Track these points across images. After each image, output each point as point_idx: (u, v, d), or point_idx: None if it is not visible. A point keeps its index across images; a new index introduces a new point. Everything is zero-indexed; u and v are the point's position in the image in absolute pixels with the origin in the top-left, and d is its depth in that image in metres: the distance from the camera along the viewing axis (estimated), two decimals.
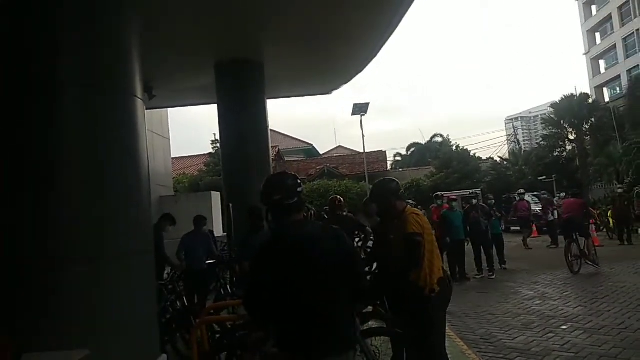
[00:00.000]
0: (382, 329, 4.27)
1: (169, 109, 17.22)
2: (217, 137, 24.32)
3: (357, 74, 11.84)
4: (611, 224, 15.21)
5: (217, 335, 4.71)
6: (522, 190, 16.79)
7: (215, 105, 10.34)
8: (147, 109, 7.23)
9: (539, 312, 6.88)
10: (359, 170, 28.52)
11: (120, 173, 3.61)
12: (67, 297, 3.23)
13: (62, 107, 3.43)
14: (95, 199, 3.42)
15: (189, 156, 33.21)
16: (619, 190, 16.09)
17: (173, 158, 20.43)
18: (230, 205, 6.07)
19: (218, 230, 14.01)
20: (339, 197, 7.89)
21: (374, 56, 10.61)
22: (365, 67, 11.38)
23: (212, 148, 27.24)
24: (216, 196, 15.13)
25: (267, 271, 2.43)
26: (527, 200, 16.13)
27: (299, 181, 2.57)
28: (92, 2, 3.68)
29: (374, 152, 32.90)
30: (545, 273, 10.10)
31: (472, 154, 34.08)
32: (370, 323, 4.60)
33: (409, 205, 3.74)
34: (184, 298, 5.95)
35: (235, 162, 9.74)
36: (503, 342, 5.60)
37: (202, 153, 30.34)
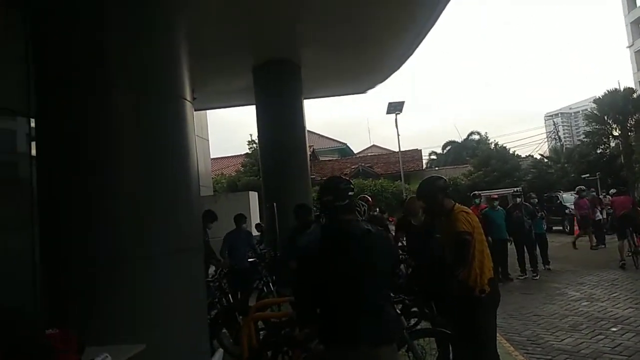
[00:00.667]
0: (429, 330, 4.27)
1: (208, 111, 17.59)
2: (254, 137, 24.81)
3: (392, 72, 11.81)
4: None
5: (263, 332, 4.80)
6: (582, 187, 15.45)
7: (253, 107, 10.53)
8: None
9: (587, 313, 6.69)
10: (393, 169, 28.32)
11: (172, 174, 3.73)
12: (124, 294, 3.35)
13: (114, 110, 3.53)
14: (150, 200, 3.54)
15: (226, 157, 33.75)
16: None
17: (212, 159, 20.81)
18: (275, 204, 6.18)
19: (254, 229, 14.21)
20: (366, 196, 7.89)
21: (410, 55, 10.56)
22: (401, 65, 11.34)
23: (249, 148, 27.59)
24: (254, 196, 15.35)
25: (315, 267, 2.62)
26: (587, 198, 14.99)
27: (351, 185, 2.76)
28: (142, 4, 3.78)
29: (409, 150, 32.55)
30: (592, 274, 9.79)
31: (511, 151, 33.28)
32: (414, 322, 4.59)
33: (457, 204, 3.69)
34: (229, 295, 6.09)
35: (274, 162, 9.89)
36: (550, 344, 5.48)
37: (239, 153, 30.78)
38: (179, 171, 3.85)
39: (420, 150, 34.81)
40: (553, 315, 6.77)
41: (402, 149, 25.04)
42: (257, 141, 14.36)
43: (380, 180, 26.69)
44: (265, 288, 6.91)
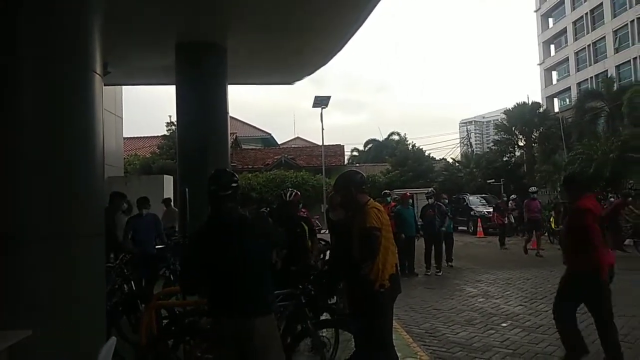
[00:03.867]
0: (331, 320, 4.33)
1: (124, 87, 16.64)
2: (173, 119, 23.86)
3: (321, 66, 11.84)
4: (552, 228, 15.96)
5: (166, 321, 4.63)
6: (534, 189, 15.19)
7: (174, 87, 10.08)
8: None
9: (481, 309, 7.16)
10: (316, 163, 28.58)
11: (73, 150, 3.46)
12: (12, 276, 3.09)
13: (16, 78, 3.27)
14: (47, 176, 3.28)
15: (142, 137, 32.19)
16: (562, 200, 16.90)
17: (125, 138, 19.73)
18: (187, 189, 5.93)
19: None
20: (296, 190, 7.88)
21: (339, 50, 10.63)
22: (329, 60, 11.39)
23: (167, 130, 26.47)
24: (169, 180, 14.78)
25: (198, 248, 3.05)
26: (539, 200, 14.63)
27: (235, 178, 3.12)
28: None
29: (332, 145, 32.98)
30: (489, 272, 10.53)
31: (426, 153, 34.93)
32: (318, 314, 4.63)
33: (371, 200, 3.76)
34: (132, 282, 5.80)
35: (192, 147, 9.52)
36: (446, 337, 5.80)
37: (156, 135, 29.46)
38: (82, 148, 3.58)
39: (343, 146, 35.34)
40: (451, 309, 7.19)
41: (325, 144, 25.34)
42: (175, 123, 13.81)
43: (301, 173, 26.82)
44: (172, 276, 6.67)
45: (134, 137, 30.81)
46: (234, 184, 3.06)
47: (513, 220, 17.77)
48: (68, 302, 3.29)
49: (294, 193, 5.69)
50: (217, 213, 3.05)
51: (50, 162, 3.30)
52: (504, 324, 6.29)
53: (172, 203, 11.65)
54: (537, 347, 5.27)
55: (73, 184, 3.42)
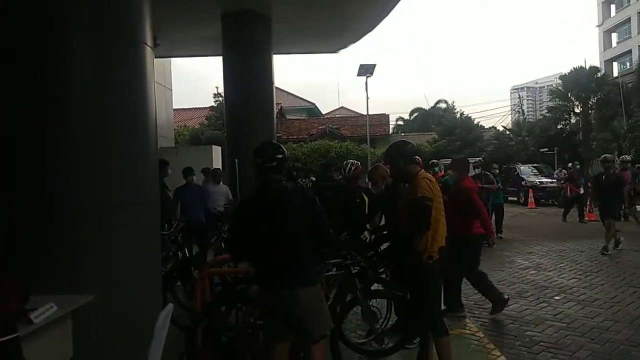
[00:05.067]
0: (382, 291, 4.34)
1: (172, 59, 16.91)
2: (220, 90, 24.15)
3: (366, 33, 11.60)
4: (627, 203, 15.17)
5: (219, 288, 4.78)
6: (627, 157, 13.44)
7: (221, 58, 10.15)
8: None
9: (533, 281, 6.99)
10: (360, 132, 28.26)
11: (129, 122, 3.55)
12: (74, 244, 3.24)
13: (70, 51, 3.33)
14: (105, 148, 3.38)
15: (190, 108, 32.82)
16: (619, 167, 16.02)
17: (174, 109, 20.18)
18: (236, 160, 6.03)
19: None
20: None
21: (385, 16, 10.37)
22: (374, 27, 11.13)
23: (214, 101, 26.85)
24: (217, 150, 15.06)
25: (244, 219, 3.12)
26: (631, 170, 13.16)
27: (280, 149, 3.14)
28: None
29: (377, 115, 32.44)
30: (541, 244, 10.22)
31: (475, 122, 33.80)
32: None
33: (422, 170, 3.69)
34: (185, 249, 6.01)
35: (239, 117, 9.65)
36: None
37: (204, 106, 29.97)
38: (137, 120, 3.67)
39: (388, 115, 34.73)
40: (501, 281, 7.04)
41: (370, 113, 25.01)
42: (222, 94, 13.95)
43: (346, 143, 26.66)
44: (223, 244, 6.85)
45: (183, 109, 31.46)
46: (279, 156, 3.08)
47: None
48: (126, 268, 3.42)
49: (354, 167, 5.60)
50: (262, 184, 3.09)
51: (104, 133, 3.38)
52: (557, 297, 6.12)
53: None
54: (593, 321, 5.11)
55: (127, 155, 3.51)
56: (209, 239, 6.95)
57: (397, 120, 46.05)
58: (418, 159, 8.76)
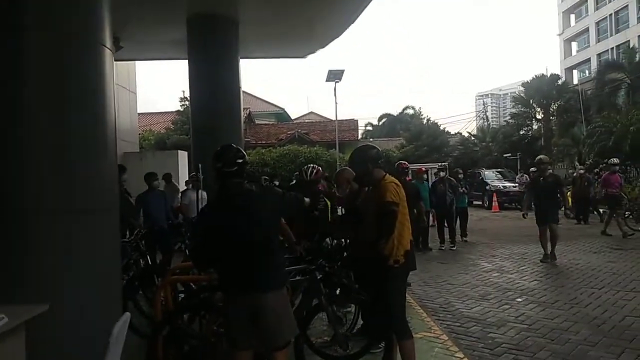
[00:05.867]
0: (350, 296, 4.33)
1: (138, 63, 16.59)
2: (187, 94, 23.80)
3: (333, 39, 11.64)
4: (570, 204, 15.73)
5: (182, 296, 4.68)
6: (615, 160, 12.75)
7: (186, 62, 10.01)
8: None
9: (496, 284, 7.13)
10: (329, 138, 28.35)
11: (84, 126, 3.44)
12: (29, 250, 3.12)
13: (25, 52, 3.23)
14: (59, 151, 3.27)
15: (156, 112, 32.28)
16: (581, 171, 16.59)
17: (139, 114, 19.79)
18: (200, 165, 5.93)
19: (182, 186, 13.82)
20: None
21: (353, 21, 10.43)
22: (343, 32, 11.18)
23: (181, 105, 26.48)
24: (183, 155, 14.84)
25: (206, 225, 3.07)
26: (620, 174, 12.51)
27: (240, 153, 3.08)
28: None
29: (346, 120, 32.65)
30: (504, 247, 10.46)
31: (442, 127, 34.50)
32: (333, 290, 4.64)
33: (388, 174, 3.69)
34: (148, 257, 5.87)
35: (205, 122, 9.51)
36: (460, 311, 5.79)
37: (170, 110, 29.50)
38: (95, 123, 3.56)
39: (357, 120, 35.02)
40: (465, 284, 7.16)
41: (339, 118, 25.10)
42: (188, 98, 13.79)
43: (315, 148, 26.68)
44: (187, 251, 6.72)
45: (148, 113, 30.90)
46: (239, 160, 3.04)
47: None
48: (83, 277, 3.31)
49: (315, 171, 5.58)
50: (223, 189, 3.06)
51: (60, 137, 3.28)
52: (519, 299, 6.25)
53: (172, 178, 11.50)
54: (553, 322, 5.23)
55: (84, 159, 3.40)
56: (172, 246, 6.82)
57: (366, 125, 46.53)
58: (405, 164, 8.82)
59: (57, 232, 3.24)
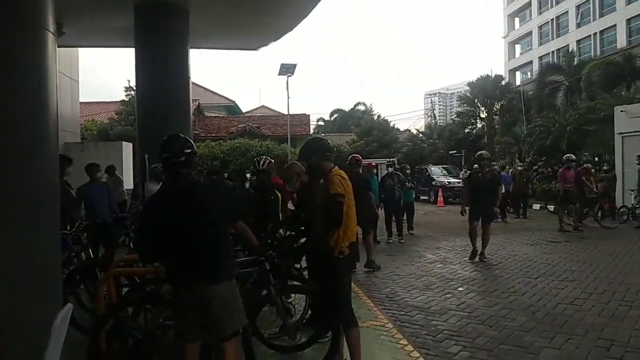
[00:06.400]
0: (299, 287, 4.37)
1: (80, 50, 15.89)
2: (132, 83, 23.00)
3: (286, 32, 11.63)
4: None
5: (127, 289, 4.56)
6: (571, 156, 12.71)
7: (133, 50, 9.68)
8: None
9: (440, 274, 7.40)
10: (281, 132, 28.27)
11: (23, 112, 3.27)
12: None
13: None
14: None
15: (99, 102, 31.00)
16: (519, 168, 17.43)
17: (82, 103, 18.95)
18: (147, 156, 5.76)
19: (129, 182, 13.39)
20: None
21: (305, 16, 10.46)
22: (295, 26, 11.19)
23: (126, 95, 25.54)
24: (128, 147, 14.35)
25: (152, 216, 3.02)
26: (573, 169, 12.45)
27: (188, 144, 3.02)
28: None
29: (298, 114, 32.65)
30: (448, 239, 10.86)
31: (392, 124, 35.17)
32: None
33: (336, 167, 3.75)
34: (90, 250, 5.67)
35: (152, 112, 9.25)
36: (406, 301, 5.98)
37: (115, 100, 28.41)
38: (34, 111, 3.39)
39: (309, 115, 35.09)
40: (411, 275, 7.39)
41: (291, 113, 25.07)
42: (134, 88, 13.31)
43: (266, 142, 26.55)
44: (132, 244, 6.54)
45: (91, 102, 29.66)
46: (187, 150, 2.99)
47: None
48: (21, 270, 3.17)
49: (267, 161, 5.61)
50: (171, 180, 3.03)
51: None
52: (460, 288, 6.52)
53: (115, 171, 11.08)
54: (492, 310, 5.50)
55: (25, 148, 3.24)
56: (116, 240, 6.60)
57: (318, 120, 46.69)
58: (358, 157, 8.71)
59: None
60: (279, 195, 5.54)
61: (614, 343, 4.36)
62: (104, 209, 6.80)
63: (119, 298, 4.03)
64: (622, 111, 15.01)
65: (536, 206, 17.64)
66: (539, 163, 21.45)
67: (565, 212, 12.33)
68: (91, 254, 5.68)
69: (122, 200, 10.04)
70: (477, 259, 8.41)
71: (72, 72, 15.03)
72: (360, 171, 9.29)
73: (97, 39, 12.23)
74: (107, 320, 3.63)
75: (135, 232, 5.68)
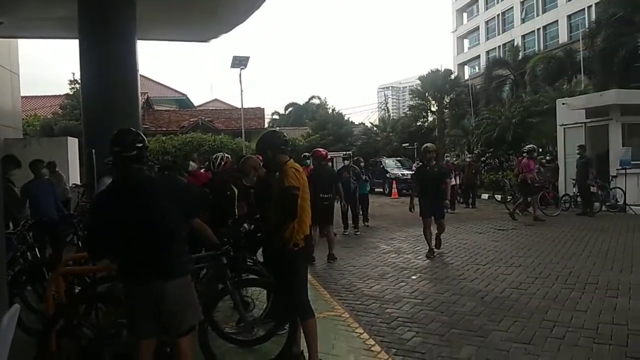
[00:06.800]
0: (256, 280, 4.38)
1: (20, 41, 15.07)
2: (77, 76, 22.07)
3: (237, 24, 11.49)
4: (459, 189, 17.06)
5: (77, 289, 4.42)
6: (533, 146, 13.00)
7: (77, 41, 9.28)
8: None
9: (394, 264, 7.59)
10: (235, 126, 27.91)
11: None
12: None
13: None
14: None
15: (42, 96, 29.55)
16: (468, 159, 18.03)
17: (23, 97, 18.01)
18: (93, 151, 5.56)
19: (75, 178, 12.89)
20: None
21: (257, 8, 10.36)
22: (246, 18, 11.07)
23: (70, 89, 24.50)
24: (73, 142, 13.77)
25: (102, 212, 2.96)
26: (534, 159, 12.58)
27: (140, 137, 2.99)
28: None
29: (252, 108, 32.33)
30: (401, 230, 11.13)
31: (346, 117, 35.50)
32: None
33: (291, 160, 3.77)
34: (37, 249, 5.45)
35: (98, 106, 8.88)
36: (361, 290, 6.11)
37: (59, 94, 27.16)
38: None
39: (263, 109, 34.83)
40: (366, 265, 7.54)
41: (245, 106, 24.84)
42: (79, 81, 12.80)
43: (220, 136, 26.14)
44: (80, 242, 6.33)
45: (33, 96, 28.21)
46: (139, 144, 2.94)
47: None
48: None
49: (223, 161, 5.55)
50: (122, 175, 2.97)
51: None
52: (413, 277, 6.72)
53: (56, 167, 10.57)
54: (443, 296, 5.70)
55: None
56: (63, 238, 6.37)
57: (272, 114, 46.48)
58: (321, 152, 8.55)
59: None
60: (235, 190, 5.51)
61: (556, 324, 4.62)
62: (50, 206, 6.55)
63: (69, 297, 3.90)
64: (563, 104, 15.80)
65: (484, 196, 18.32)
66: (487, 154, 22.23)
67: (529, 200, 12.37)
68: (38, 254, 5.46)
69: (65, 198, 9.64)
70: (433, 256, 7.96)
71: (11, 64, 14.25)
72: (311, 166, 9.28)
73: (38, 30, 11.64)
74: (57, 320, 3.51)
75: (84, 229, 5.50)
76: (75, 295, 4.15)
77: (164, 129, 27.42)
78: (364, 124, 39.68)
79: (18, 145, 12.30)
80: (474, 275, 6.66)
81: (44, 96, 29.48)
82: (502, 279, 6.39)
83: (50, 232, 6.29)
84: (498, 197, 16.61)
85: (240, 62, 21.48)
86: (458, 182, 16.51)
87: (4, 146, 11.92)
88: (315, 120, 33.24)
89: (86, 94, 9.34)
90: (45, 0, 9.07)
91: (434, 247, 8.15)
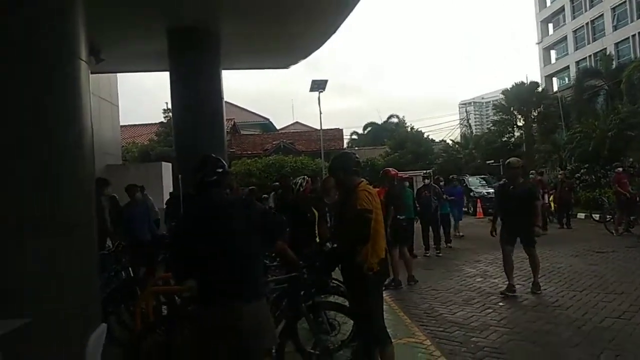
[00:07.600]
0: (329, 303, 4.34)
1: (119, 75, 16.52)
2: (170, 105, 23.74)
3: (315, 49, 11.76)
4: (552, 208, 15.94)
5: (165, 307, 4.65)
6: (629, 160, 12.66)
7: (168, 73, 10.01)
8: (93, 72, 6.82)
9: (480, 288, 7.20)
10: (315, 147, 28.43)
11: (59, 139, 3.41)
12: (9, 266, 3.08)
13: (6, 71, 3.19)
14: (33, 166, 3.23)
15: (139, 124, 32.06)
16: (560, 176, 16.85)
17: (122, 126, 19.64)
18: (180, 176, 5.91)
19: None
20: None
21: (333, 32, 10.54)
22: (323, 43, 11.30)
23: (164, 117, 26.40)
24: (167, 167, 14.73)
25: (184, 235, 3.06)
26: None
27: (220, 163, 3.11)
28: None
29: (331, 129, 32.81)
30: (488, 252, 10.53)
31: (425, 136, 34.91)
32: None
33: (363, 181, 3.71)
34: (130, 269, 5.81)
35: (188, 133, 9.50)
36: (444, 316, 5.84)
37: (154, 122, 29.35)
38: (67, 136, 3.52)
39: (342, 129, 35.22)
40: (449, 290, 7.22)
41: (324, 128, 25.21)
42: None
43: (300, 157, 26.74)
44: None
45: (132, 125, 30.68)
46: (219, 170, 3.07)
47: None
48: (59, 291, 3.26)
49: (304, 184, 5.60)
50: (203, 199, 3.09)
51: (34, 151, 3.25)
52: (501, 303, 6.32)
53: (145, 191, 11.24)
54: (534, 325, 5.30)
55: (59, 173, 3.36)
56: (156, 259, 6.76)
57: (351, 134, 46.80)
58: (390, 171, 8.34)
59: (30, 246, 3.19)
60: (316, 213, 5.55)
61: None
62: (144, 228, 7.00)
63: (156, 315, 4.10)
64: None
65: (581, 215, 16.98)
66: (582, 170, 20.71)
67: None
68: (131, 273, 5.82)
69: (155, 219, 10.29)
70: (511, 293, 6.70)
71: (112, 97, 15.63)
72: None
73: (134, 64, 12.71)
74: (144, 337, 3.69)
75: (167, 250, 5.80)
76: (163, 314, 4.36)
77: (249, 152, 28.58)
78: (444, 141, 38.72)
79: (118, 171, 13.37)
80: (569, 303, 6.13)
81: (142, 124, 31.94)
82: (602, 307, 5.82)
83: (143, 253, 6.71)
84: (596, 216, 15.30)
85: (319, 86, 21.88)
86: (547, 199, 15.39)
87: (106, 171, 13.01)
88: (394, 139, 32.98)
89: (177, 122, 10.02)
90: (139, 37, 9.87)
91: (514, 283, 6.88)
